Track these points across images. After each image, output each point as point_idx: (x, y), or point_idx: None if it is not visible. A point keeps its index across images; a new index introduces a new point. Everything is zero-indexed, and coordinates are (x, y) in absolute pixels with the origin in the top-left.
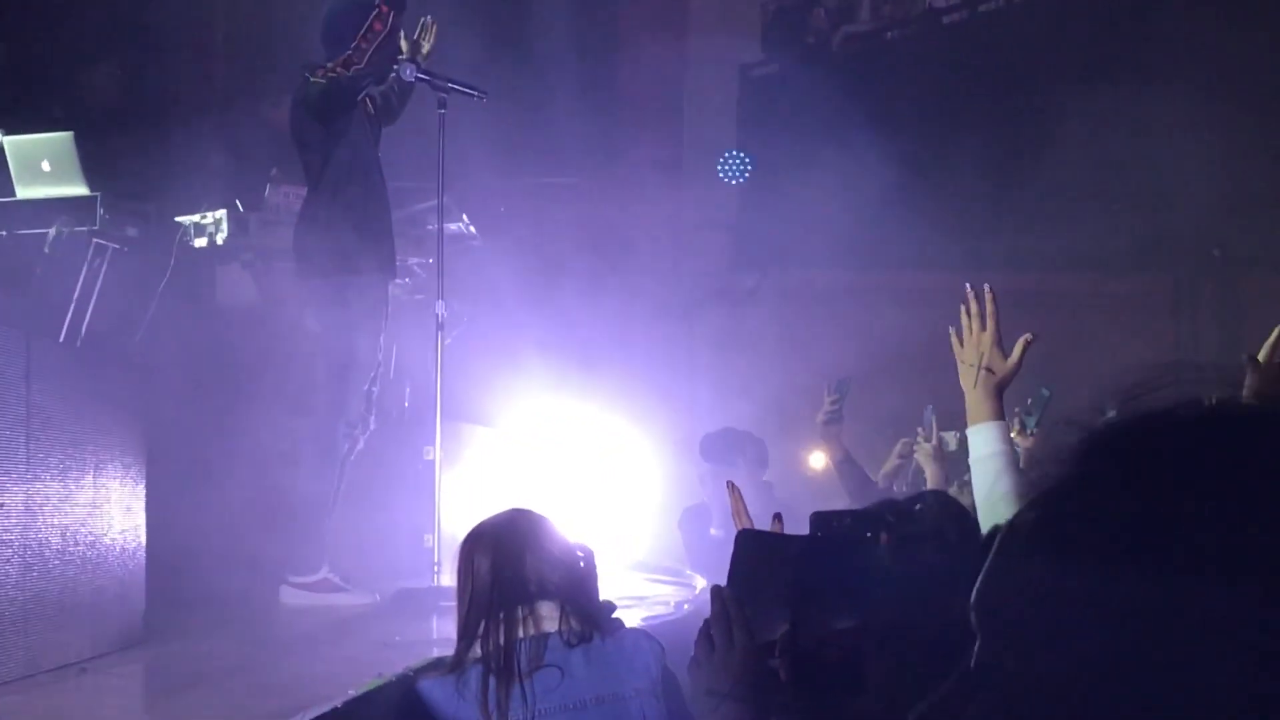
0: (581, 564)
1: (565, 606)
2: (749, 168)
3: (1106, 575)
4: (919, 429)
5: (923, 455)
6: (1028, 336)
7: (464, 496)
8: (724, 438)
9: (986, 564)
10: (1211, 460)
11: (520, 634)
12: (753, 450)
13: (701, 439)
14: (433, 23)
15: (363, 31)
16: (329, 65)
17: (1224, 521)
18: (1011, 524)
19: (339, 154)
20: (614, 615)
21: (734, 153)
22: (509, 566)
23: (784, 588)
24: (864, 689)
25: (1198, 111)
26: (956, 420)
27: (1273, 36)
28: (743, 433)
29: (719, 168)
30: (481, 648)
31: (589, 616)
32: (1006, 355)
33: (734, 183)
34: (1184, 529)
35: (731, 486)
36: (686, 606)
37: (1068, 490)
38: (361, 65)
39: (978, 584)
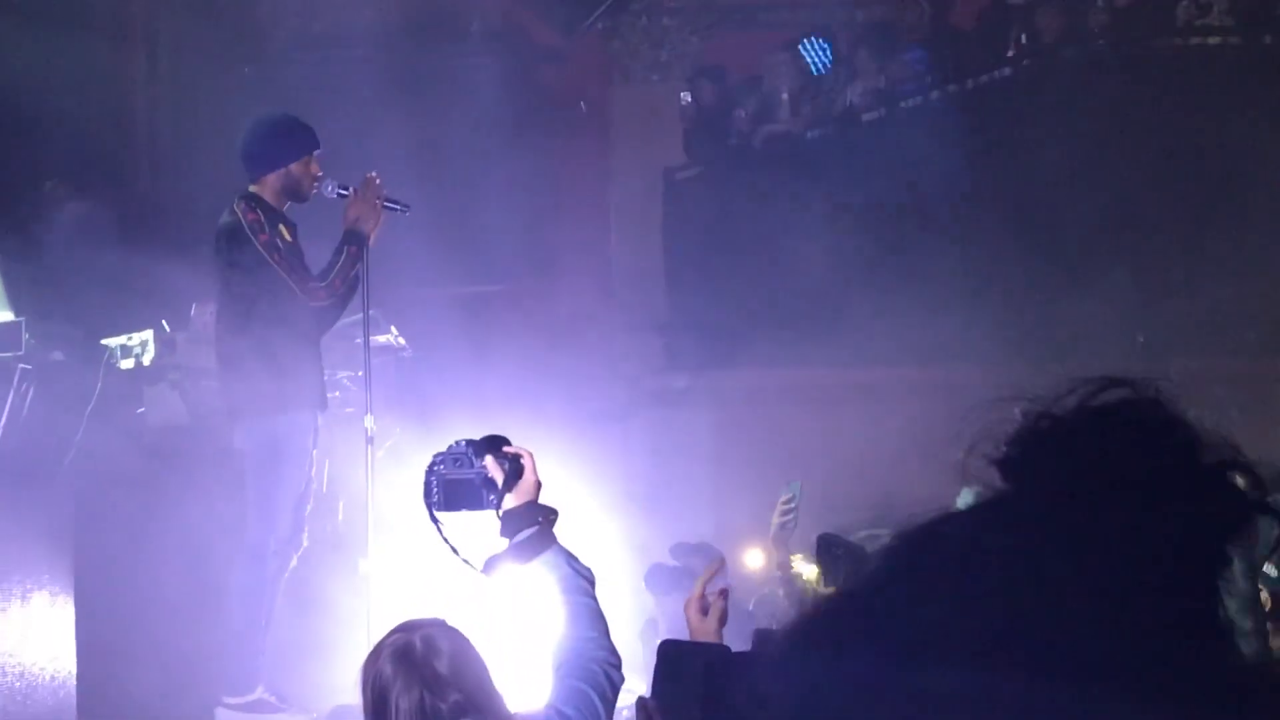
0: (486, 676)
1: None
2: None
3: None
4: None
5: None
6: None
7: (400, 610)
8: (666, 569)
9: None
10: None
11: None
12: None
13: (647, 573)
14: (376, 177)
15: (337, 271)
16: (315, 288)
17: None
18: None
19: (269, 286)
20: None
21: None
22: (408, 677)
23: (696, 697)
24: None
25: (1117, 196)
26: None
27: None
28: (692, 546)
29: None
30: None
31: None
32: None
33: (816, 68)
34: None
35: (690, 605)
36: (625, 713)
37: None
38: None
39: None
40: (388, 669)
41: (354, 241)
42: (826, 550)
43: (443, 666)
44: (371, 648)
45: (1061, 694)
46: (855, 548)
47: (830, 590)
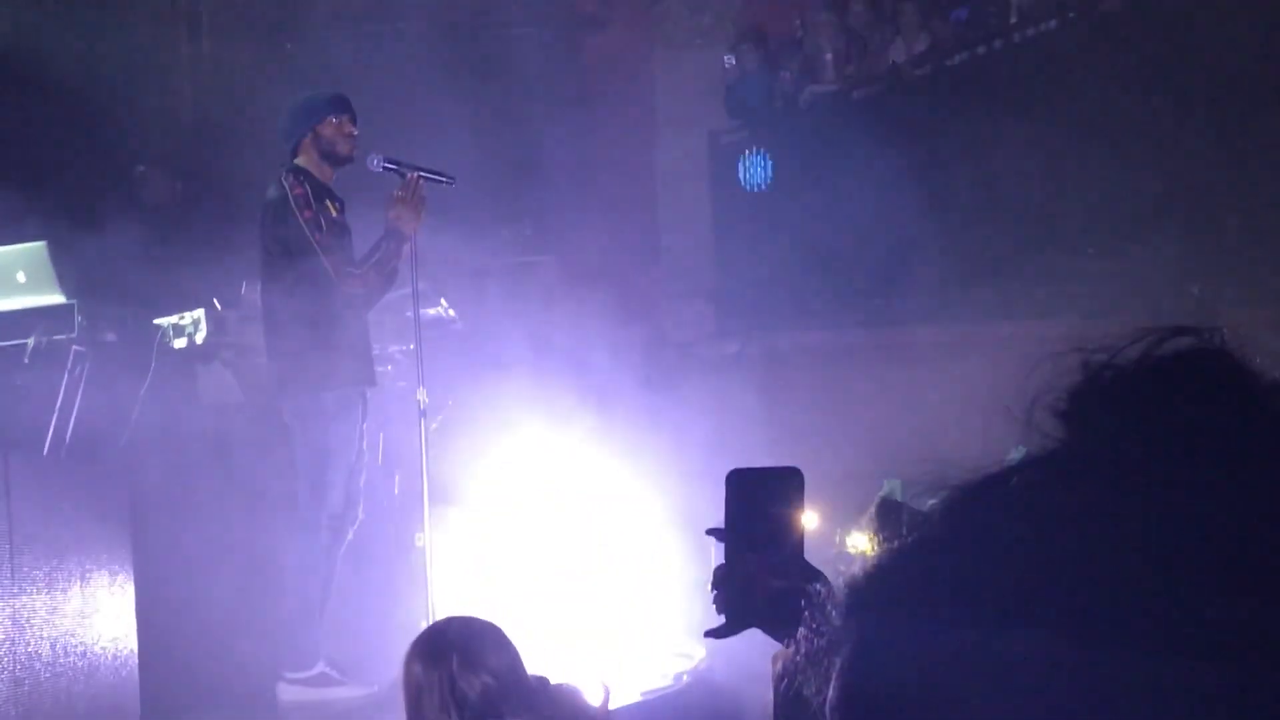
0: (523, 673)
1: None
2: (770, 171)
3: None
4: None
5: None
6: None
7: (457, 581)
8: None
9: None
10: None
11: None
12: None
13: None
14: (418, 179)
15: (374, 264)
16: (349, 274)
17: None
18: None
19: (317, 262)
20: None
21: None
22: (437, 671)
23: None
24: (798, 621)
25: (1168, 150)
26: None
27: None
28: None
29: (739, 171)
30: None
31: None
32: None
33: (752, 188)
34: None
35: None
36: (686, 678)
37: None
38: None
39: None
40: (417, 666)
41: (393, 239)
42: (886, 516)
43: (468, 653)
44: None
45: (1139, 661)
46: (916, 514)
47: (881, 549)
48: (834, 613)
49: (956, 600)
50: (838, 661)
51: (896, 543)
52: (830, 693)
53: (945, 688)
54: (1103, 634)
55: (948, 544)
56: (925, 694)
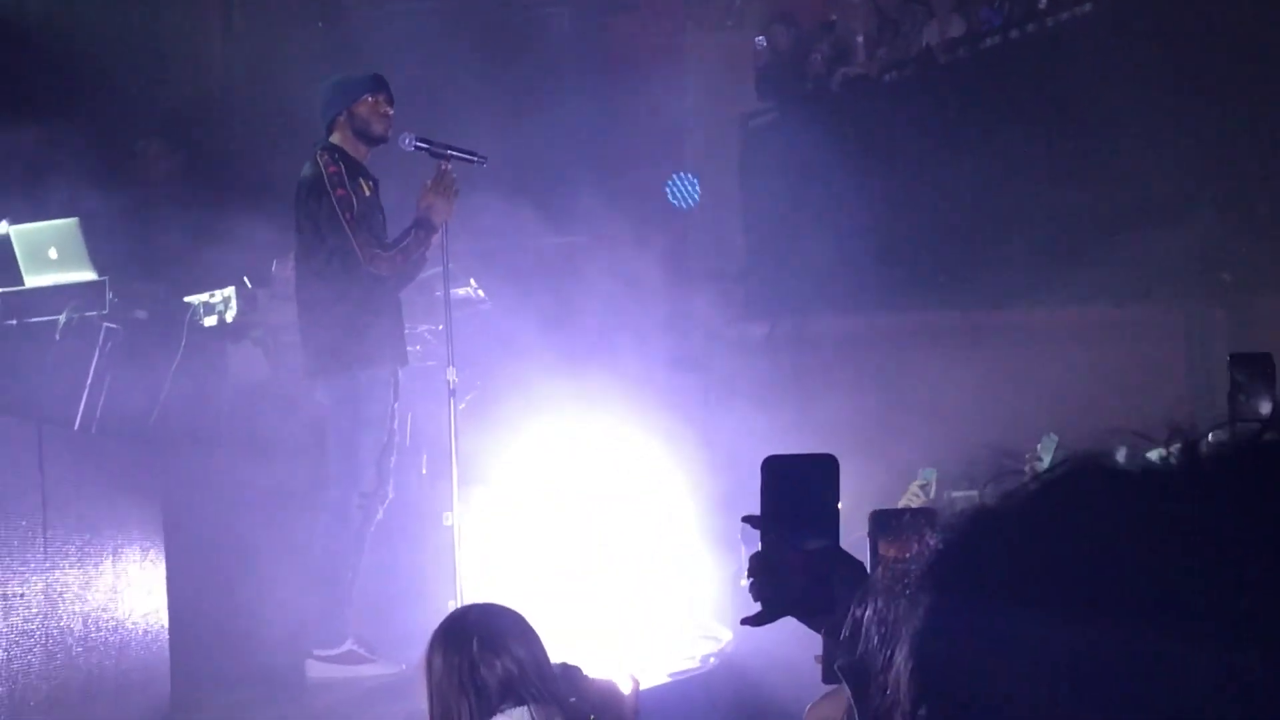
0: (544, 656)
1: (533, 711)
2: (697, 191)
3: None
4: (920, 485)
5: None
6: None
7: (485, 560)
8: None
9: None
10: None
11: None
12: None
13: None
14: (450, 169)
15: (402, 249)
16: (377, 255)
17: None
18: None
19: (347, 241)
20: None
21: (684, 176)
22: (458, 655)
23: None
24: (833, 609)
25: (1199, 135)
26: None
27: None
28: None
29: (668, 190)
30: None
31: (566, 718)
32: None
33: (684, 205)
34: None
35: None
36: (713, 660)
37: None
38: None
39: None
40: (437, 652)
41: (423, 228)
42: (883, 527)
43: (488, 638)
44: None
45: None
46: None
47: (959, 526)
48: (906, 590)
49: (1037, 584)
50: (908, 631)
51: (975, 523)
52: (901, 660)
53: (1019, 671)
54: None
55: (1035, 528)
56: (998, 676)
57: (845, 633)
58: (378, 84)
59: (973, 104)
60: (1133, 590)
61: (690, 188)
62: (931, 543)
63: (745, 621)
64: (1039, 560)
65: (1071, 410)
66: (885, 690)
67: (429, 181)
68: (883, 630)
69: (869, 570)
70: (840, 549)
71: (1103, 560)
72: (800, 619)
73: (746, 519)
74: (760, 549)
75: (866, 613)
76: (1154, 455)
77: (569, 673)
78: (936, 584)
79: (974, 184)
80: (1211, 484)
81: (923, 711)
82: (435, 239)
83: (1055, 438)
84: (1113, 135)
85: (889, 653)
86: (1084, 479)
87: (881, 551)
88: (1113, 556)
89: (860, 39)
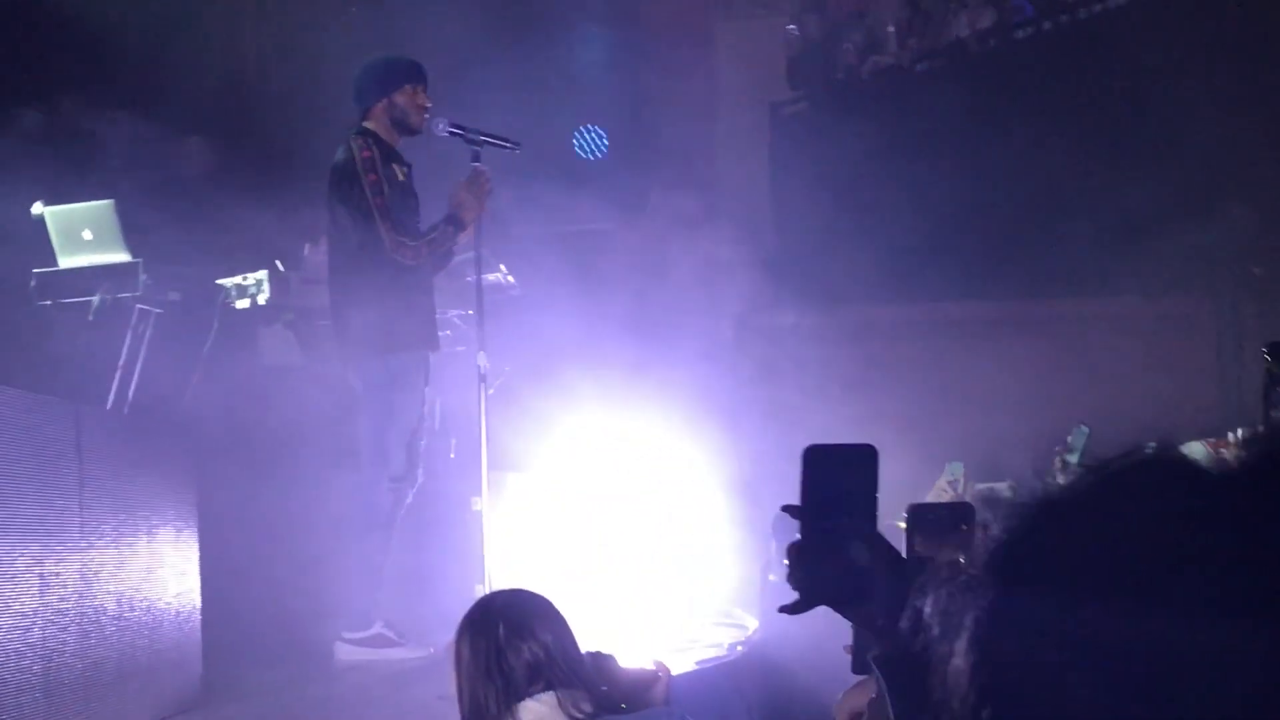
0: (571, 641)
1: (560, 696)
2: (604, 141)
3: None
4: (948, 480)
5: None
6: None
7: (512, 545)
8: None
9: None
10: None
11: None
12: None
13: (774, 520)
14: (485, 171)
15: (430, 241)
16: (404, 244)
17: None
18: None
19: (377, 226)
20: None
21: (590, 127)
22: (484, 640)
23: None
24: (871, 599)
25: (1230, 128)
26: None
27: None
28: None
29: (574, 142)
30: None
31: (594, 703)
32: None
33: (591, 157)
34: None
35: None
36: (740, 648)
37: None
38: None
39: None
40: (464, 638)
41: (453, 224)
42: (919, 521)
43: (515, 623)
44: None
45: None
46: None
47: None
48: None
49: (1101, 576)
50: (971, 620)
51: (1037, 516)
52: (963, 648)
53: (1082, 660)
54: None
55: (1099, 519)
56: (1060, 668)
57: (904, 624)
58: (419, 74)
59: (1004, 96)
60: (1197, 582)
61: (598, 139)
62: (993, 534)
63: (783, 609)
64: (1102, 552)
65: (1102, 402)
66: (945, 683)
67: (464, 179)
68: (945, 622)
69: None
70: (880, 538)
71: (1168, 552)
72: (836, 608)
73: (786, 508)
74: (800, 538)
75: (927, 604)
76: (1197, 448)
77: (601, 661)
78: (999, 575)
79: (1004, 176)
80: (1273, 478)
81: (986, 712)
82: (463, 237)
83: (1086, 429)
84: (1144, 128)
85: (950, 645)
86: (1147, 471)
87: (916, 547)
88: (1178, 549)
89: (891, 29)
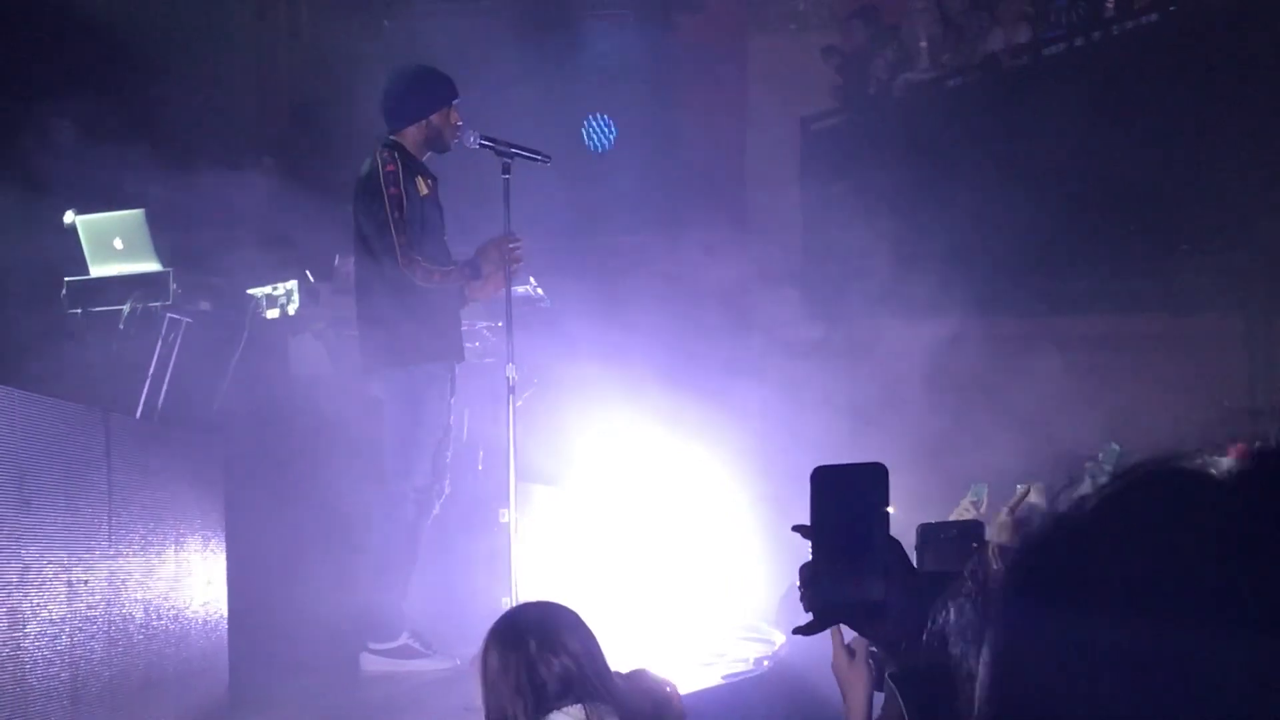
0: (600, 653)
1: (588, 710)
2: (612, 131)
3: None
4: (971, 501)
5: (999, 530)
6: None
7: (540, 558)
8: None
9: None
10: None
11: None
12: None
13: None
14: (516, 241)
15: (443, 273)
16: (416, 263)
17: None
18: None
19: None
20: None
21: (598, 117)
22: (515, 654)
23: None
24: (885, 617)
25: (1259, 144)
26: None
27: None
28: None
29: (583, 133)
30: None
31: (620, 718)
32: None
33: (599, 148)
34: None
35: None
36: (766, 663)
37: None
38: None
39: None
40: (493, 652)
41: (471, 269)
42: (929, 540)
43: (546, 637)
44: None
45: None
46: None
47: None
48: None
49: (1112, 589)
50: (988, 639)
51: (1051, 530)
52: (981, 670)
53: (1097, 677)
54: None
55: (1109, 533)
56: (1076, 681)
57: (926, 640)
58: (454, 93)
59: (1035, 112)
60: (1206, 596)
61: (606, 129)
62: (1011, 550)
63: (797, 631)
64: (1114, 565)
65: (1133, 420)
66: (969, 698)
67: (498, 236)
68: (964, 638)
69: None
70: (893, 556)
71: (1178, 566)
72: (852, 627)
73: (796, 529)
74: (810, 559)
75: (949, 621)
76: (1227, 464)
77: (637, 675)
78: (1014, 591)
79: (1035, 192)
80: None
81: None
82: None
83: (1118, 447)
84: (1175, 145)
85: (972, 661)
86: (1157, 484)
87: (928, 565)
88: (1188, 562)
89: (924, 44)
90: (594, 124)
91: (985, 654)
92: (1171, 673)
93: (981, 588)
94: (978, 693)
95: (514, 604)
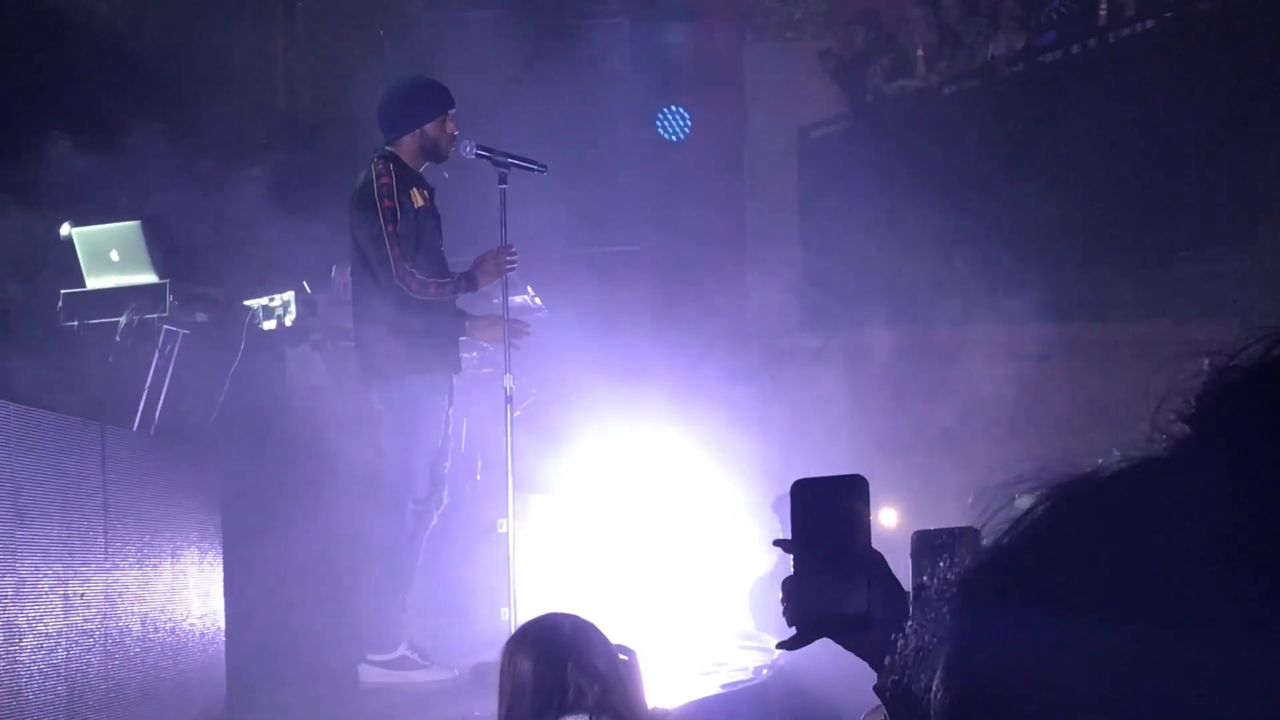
0: (624, 673)
1: None
2: (688, 125)
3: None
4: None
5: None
6: None
7: (539, 568)
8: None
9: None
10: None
11: None
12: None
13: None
14: (512, 250)
15: (439, 286)
16: (411, 276)
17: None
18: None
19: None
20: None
21: (674, 109)
22: (550, 673)
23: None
24: (868, 629)
25: (1263, 151)
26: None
27: None
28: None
29: (658, 125)
30: None
31: None
32: None
33: (675, 139)
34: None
35: None
36: (765, 672)
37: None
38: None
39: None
40: (526, 663)
41: (468, 281)
42: (925, 546)
43: (583, 656)
44: (512, 633)
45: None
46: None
47: (988, 545)
48: (940, 609)
49: (1067, 596)
50: (943, 657)
51: (1005, 538)
52: (936, 687)
53: (1054, 684)
54: (1218, 634)
55: (1059, 541)
56: (1033, 690)
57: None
58: (450, 103)
59: (1032, 120)
60: (1134, 588)
61: (681, 120)
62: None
63: (781, 645)
64: (1059, 571)
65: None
66: (930, 714)
67: (496, 247)
68: (921, 653)
69: (909, 590)
70: (875, 568)
71: (1107, 560)
72: (837, 641)
73: (779, 543)
74: (792, 573)
75: (909, 633)
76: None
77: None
78: (965, 599)
79: (1033, 198)
80: (1207, 461)
81: None
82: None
83: (1119, 454)
84: (1176, 153)
85: (929, 675)
86: (1106, 483)
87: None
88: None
89: (920, 52)
90: (669, 116)
91: (940, 670)
92: (1109, 677)
93: (935, 598)
94: (937, 709)
95: (546, 613)
